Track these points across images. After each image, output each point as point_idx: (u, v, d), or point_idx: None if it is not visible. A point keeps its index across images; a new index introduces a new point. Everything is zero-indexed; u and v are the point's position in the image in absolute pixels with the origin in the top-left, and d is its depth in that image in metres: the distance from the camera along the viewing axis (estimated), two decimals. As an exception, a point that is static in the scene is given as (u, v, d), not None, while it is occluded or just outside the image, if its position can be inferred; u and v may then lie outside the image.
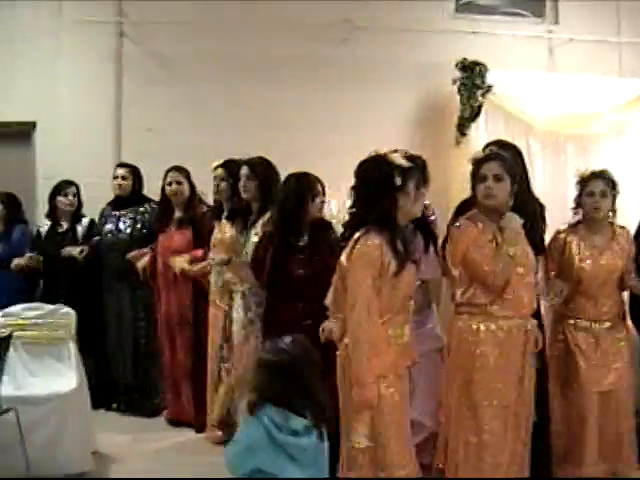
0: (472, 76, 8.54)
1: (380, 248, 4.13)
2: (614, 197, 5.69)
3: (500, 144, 5.81)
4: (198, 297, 6.91)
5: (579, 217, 5.78)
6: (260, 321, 5.95)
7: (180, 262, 6.86)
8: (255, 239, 5.95)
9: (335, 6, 8.67)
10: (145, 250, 7.27)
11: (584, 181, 5.71)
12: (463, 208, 5.38)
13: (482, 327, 4.81)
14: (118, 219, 7.61)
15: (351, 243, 4.23)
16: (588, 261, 5.65)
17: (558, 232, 5.85)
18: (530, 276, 4.93)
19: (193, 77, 8.58)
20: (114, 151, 8.61)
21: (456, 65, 8.55)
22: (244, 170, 6.13)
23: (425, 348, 5.03)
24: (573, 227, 5.81)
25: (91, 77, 8.58)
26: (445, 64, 8.64)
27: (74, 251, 7.46)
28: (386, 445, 4.21)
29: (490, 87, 8.55)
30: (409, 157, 4.29)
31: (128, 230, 7.53)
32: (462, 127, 8.57)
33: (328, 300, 4.63)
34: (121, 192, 7.64)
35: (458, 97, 8.61)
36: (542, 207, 5.83)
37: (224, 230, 6.46)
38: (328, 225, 5.89)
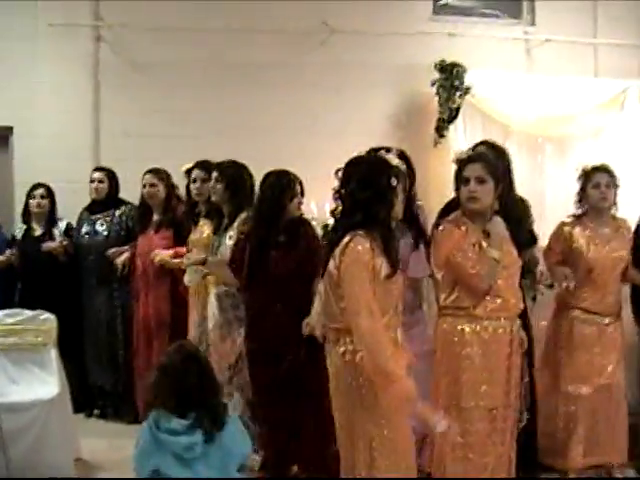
0: (450, 77, 8.56)
1: (370, 252, 3.99)
2: (615, 190, 5.83)
3: (488, 145, 5.80)
4: (176, 299, 6.94)
5: (581, 210, 5.93)
6: (237, 322, 5.93)
7: (161, 254, 6.89)
8: (229, 241, 5.95)
9: (313, 10, 8.69)
10: (125, 248, 7.30)
11: (587, 175, 5.84)
12: (448, 209, 5.31)
13: (467, 328, 4.75)
14: (95, 222, 7.58)
15: (339, 250, 4.07)
16: (598, 250, 5.76)
17: (563, 224, 5.97)
18: (515, 278, 4.86)
19: (171, 82, 8.56)
20: (92, 156, 8.57)
21: (434, 67, 8.58)
22: (214, 173, 6.16)
23: (416, 349, 4.88)
24: (578, 219, 5.93)
25: (68, 81, 8.54)
26: (423, 66, 8.68)
27: (53, 244, 7.43)
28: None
29: (468, 88, 8.57)
30: (400, 156, 4.33)
31: (105, 232, 7.51)
32: (440, 128, 8.60)
33: (315, 311, 4.52)
34: (97, 195, 7.63)
35: (437, 98, 8.64)
36: (525, 202, 5.87)
37: (202, 230, 6.51)
38: (305, 222, 5.85)
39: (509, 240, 4.85)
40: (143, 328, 7.11)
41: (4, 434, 5.37)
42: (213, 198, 6.20)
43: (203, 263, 6.19)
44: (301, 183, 5.77)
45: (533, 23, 9.45)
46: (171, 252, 6.89)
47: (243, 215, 5.95)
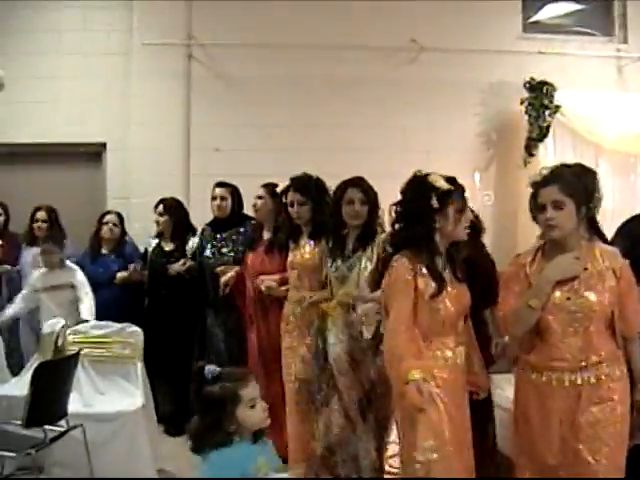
0: (540, 96, 8.50)
1: (411, 271, 4.09)
2: None
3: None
4: None
5: None
6: (373, 348, 5.34)
7: (267, 281, 6.30)
8: (368, 264, 5.43)
9: (402, 27, 8.72)
10: (234, 267, 6.88)
11: None
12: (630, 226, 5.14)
13: (521, 373, 4.32)
14: (219, 243, 7.28)
15: (388, 269, 4.24)
16: None
17: None
18: (590, 329, 4.08)
19: (260, 98, 8.64)
20: (183, 170, 8.70)
21: (524, 85, 8.53)
22: (357, 193, 5.50)
23: None
24: None
25: (160, 98, 8.69)
26: (513, 84, 8.64)
27: (177, 265, 7.32)
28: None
29: (558, 107, 8.50)
30: (449, 180, 4.22)
31: (231, 254, 7.17)
32: (530, 148, 8.52)
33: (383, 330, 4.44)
34: (220, 213, 7.32)
35: (526, 117, 8.58)
36: None
37: (303, 252, 5.99)
38: (486, 257, 5.59)
39: (590, 283, 4.10)
40: (258, 354, 6.52)
41: (88, 443, 5.47)
42: (355, 221, 5.49)
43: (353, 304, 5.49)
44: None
45: (625, 41, 9.34)
46: (277, 277, 6.29)
47: (383, 236, 5.42)
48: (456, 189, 4.21)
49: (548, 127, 8.52)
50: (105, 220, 7.76)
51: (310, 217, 6.01)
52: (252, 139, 8.64)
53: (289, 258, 6.11)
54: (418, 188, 4.21)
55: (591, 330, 4.08)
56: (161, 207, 7.59)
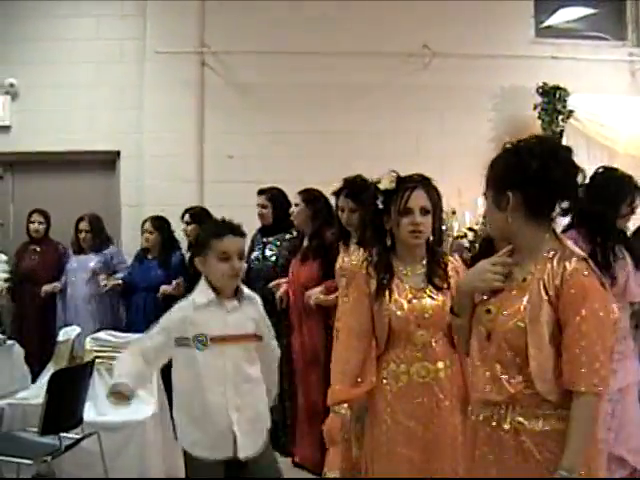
0: (553, 101, 8.52)
1: (367, 277, 3.91)
2: None
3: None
4: (331, 333, 5.88)
5: None
6: None
7: (315, 294, 6.19)
8: None
9: (415, 33, 8.73)
10: (283, 280, 6.73)
11: None
12: None
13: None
14: (265, 246, 7.17)
15: None
16: None
17: None
18: (493, 349, 2.95)
19: (273, 104, 8.69)
20: (197, 177, 8.73)
21: (537, 90, 8.55)
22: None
23: (630, 380, 4.57)
24: None
25: (173, 106, 8.72)
26: (526, 89, 8.66)
27: None
28: None
29: (571, 111, 8.52)
30: (403, 180, 3.97)
31: (273, 258, 7.07)
32: (543, 152, 8.48)
33: None
34: (263, 221, 7.23)
35: (539, 122, 8.58)
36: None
37: (352, 258, 5.77)
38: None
39: (513, 296, 2.94)
40: (297, 363, 6.46)
41: (103, 452, 5.48)
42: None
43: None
44: None
45: (638, 44, 9.34)
46: (322, 288, 6.18)
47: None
48: (400, 189, 3.90)
49: (561, 132, 8.52)
50: (143, 228, 7.83)
51: (360, 224, 5.73)
52: (265, 146, 8.67)
53: (337, 263, 5.96)
54: (372, 189, 4.07)
55: (494, 357, 2.94)
56: (187, 216, 7.58)
